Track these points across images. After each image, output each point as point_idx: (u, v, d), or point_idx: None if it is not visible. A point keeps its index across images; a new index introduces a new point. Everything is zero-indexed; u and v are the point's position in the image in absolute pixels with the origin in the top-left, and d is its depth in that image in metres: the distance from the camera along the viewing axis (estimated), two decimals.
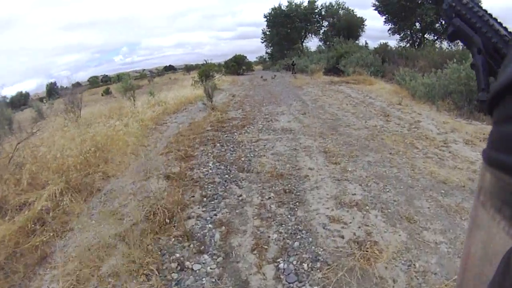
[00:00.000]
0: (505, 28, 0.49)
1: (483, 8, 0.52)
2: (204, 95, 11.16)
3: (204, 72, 18.28)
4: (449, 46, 22.92)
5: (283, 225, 3.19)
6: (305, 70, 24.76)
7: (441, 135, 6.21)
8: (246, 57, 34.74)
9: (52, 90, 44.25)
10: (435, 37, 27.77)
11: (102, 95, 26.83)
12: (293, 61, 29.03)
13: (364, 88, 14.34)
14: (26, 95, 45.76)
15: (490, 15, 0.52)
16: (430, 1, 25.34)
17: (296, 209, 3.53)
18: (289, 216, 3.38)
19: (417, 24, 27.63)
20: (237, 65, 32.21)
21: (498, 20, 0.51)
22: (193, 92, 15.45)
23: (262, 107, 10.57)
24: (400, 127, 6.94)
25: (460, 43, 3.91)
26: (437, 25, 26.60)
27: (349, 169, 4.58)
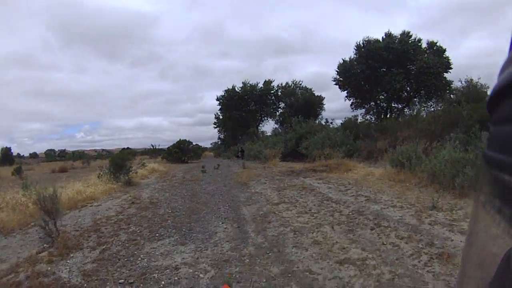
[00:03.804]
0: None
1: None
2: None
3: (117, 160, 12.12)
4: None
5: None
6: (259, 157, 20.06)
7: None
8: (191, 142, 29.31)
9: (7, 156, 43.25)
10: (403, 105, 24.82)
11: (13, 175, 20.59)
12: (241, 148, 24.68)
13: (344, 178, 9.12)
14: None
15: None
16: (398, 67, 22.78)
17: None
18: None
19: (380, 95, 25.06)
20: (180, 151, 26.85)
21: None
22: (100, 187, 10.37)
23: (145, 245, 4.81)
24: None
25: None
26: (405, 91, 24.06)
27: None
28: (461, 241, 3.59)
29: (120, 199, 8.78)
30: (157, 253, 4.41)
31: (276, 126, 36.90)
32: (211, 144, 50.37)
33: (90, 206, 7.93)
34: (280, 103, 39.42)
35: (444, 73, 22.64)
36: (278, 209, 6.24)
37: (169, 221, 6.15)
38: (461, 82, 20.80)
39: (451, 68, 22.83)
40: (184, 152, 27.32)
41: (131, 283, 3.49)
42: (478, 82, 19.73)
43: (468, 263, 0.36)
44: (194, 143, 30.56)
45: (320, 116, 33.22)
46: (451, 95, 21.69)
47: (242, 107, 38.08)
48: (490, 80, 20.06)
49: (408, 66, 23.13)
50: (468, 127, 9.27)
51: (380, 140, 15.73)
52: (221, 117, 41.28)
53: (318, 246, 4.14)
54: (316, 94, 36.70)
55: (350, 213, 5.41)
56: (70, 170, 26.00)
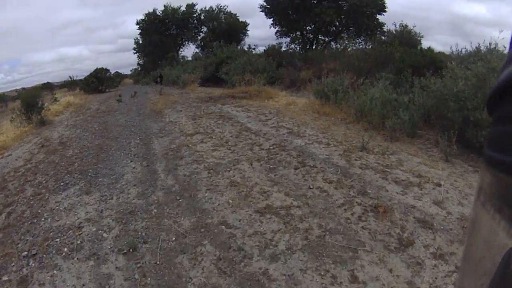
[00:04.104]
0: None
1: None
2: None
3: (27, 100, 9.89)
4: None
5: None
6: (178, 82, 18.53)
7: None
8: (108, 70, 26.15)
9: None
10: (330, 38, 24.50)
11: None
12: (160, 74, 22.81)
13: (265, 107, 8.46)
14: None
15: None
16: (328, 1, 21.80)
17: None
18: None
19: (308, 26, 24.31)
20: (97, 81, 23.80)
21: None
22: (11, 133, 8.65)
23: (49, 200, 4.00)
24: None
25: None
26: (333, 26, 23.60)
27: None
28: (397, 193, 3.11)
29: (31, 143, 7.24)
30: (61, 208, 3.64)
31: (197, 50, 34.82)
32: (131, 70, 46.46)
33: (0, 157, 6.49)
34: (202, 27, 36.79)
35: (377, 15, 22.42)
36: (192, 141, 5.37)
37: (76, 164, 5.09)
38: (395, 26, 20.75)
39: (385, 11, 22.57)
40: (101, 82, 24.32)
41: (34, 255, 2.77)
42: (412, 29, 19.73)
43: (468, 263, 0.35)
44: (114, 71, 27.48)
45: (243, 42, 31.74)
46: (382, 37, 21.70)
47: (163, 32, 35.19)
48: (424, 31, 20.26)
49: (340, 2, 22.34)
50: (399, 69, 9.04)
51: (304, 70, 15.27)
52: (141, 42, 37.97)
53: (236, 189, 3.44)
54: (240, 20, 34.58)
55: (271, 148, 4.75)
56: None
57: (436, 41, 51.89)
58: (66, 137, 7.19)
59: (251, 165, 4.09)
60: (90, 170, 4.68)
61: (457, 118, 4.24)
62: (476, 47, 8.52)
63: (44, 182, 4.56)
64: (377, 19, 22.80)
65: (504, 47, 6.61)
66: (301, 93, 11.85)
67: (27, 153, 6.44)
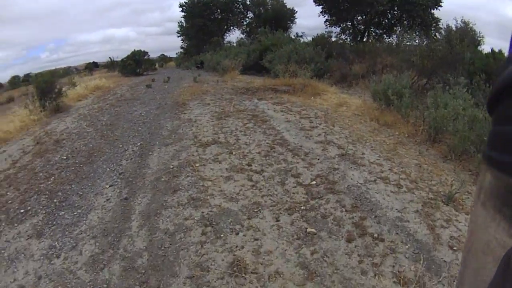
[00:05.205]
0: None
1: None
2: None
3: (42, 85, 9.04)
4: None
5: None
6: (217, 69, 17.27)
7: None
8: (147, 53, 25.81)
9: None
10: (382, 31, 22.20)
11: None
12: (201, 60, 22.10)
13: (310, 107, 6.88)
14: None
15: None
16: None
17: None
18: None
19: (359, 16, 22.20)
20: (135, 63, 23.42)
21: None
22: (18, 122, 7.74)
23: (2, 234, 2.59)
24: None
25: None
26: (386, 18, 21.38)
27: None
28: None
29: (31, 137, 6.25)
30: (5, 255, 2.67)
31: (242, 36, 33.24)
32: (176, 54, 46.03)
33: None
34: (248, 12, 35.19)
35: (432, 10, 19.78)
36: (203, 158, 3.90)
37: (52, 177, 4.02)
38: (456, 21, 18.02)
39: (441, 6, 19.76)
40: (139, 64, 23.92)
41: None
42: (474, 26, 17.06)
43: (468, 263, 0.35)
44: (160, 54, 27.08)
45: (290, 30, 29.85)
46: (436, 33, 19.08)
47: (206, 15, 33.86)
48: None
49: None
50: (470, 74, 7.03)
51: (356, 63, 13.33)
52: (184, 25, 36.74)
53: (239, 284, 1.93)
54: (288, 7, 32.69)
55: (313, 183, 3.18)
56: (23, 96, 21.74)
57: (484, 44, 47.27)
58: (67, 133, 6.05)
59: (277, 221, 2.56)
60: (60, 193, 3.50)
61: None
62: None
63: (9, 202, 3.53)
64: (432, 13, 20.09)
65: None
66: (353, 90, 10.14)
67: (20, 151, 5.40)
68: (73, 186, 3.61)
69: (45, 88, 9.02)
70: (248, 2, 34.60)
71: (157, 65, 35.09)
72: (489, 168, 0.30)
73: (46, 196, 3.48)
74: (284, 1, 33.32)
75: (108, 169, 3.92)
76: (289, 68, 11.55)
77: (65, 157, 4.60)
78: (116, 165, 3.99)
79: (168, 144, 4.59)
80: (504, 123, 0.28)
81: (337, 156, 3.87)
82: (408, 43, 14.85)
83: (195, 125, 5.49)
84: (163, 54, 64.84)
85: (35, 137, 6.14)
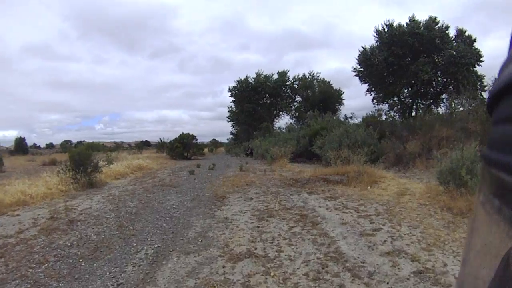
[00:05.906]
0: None
1: None
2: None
3: (76, 157, 8.90)
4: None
5: None
6: (266, 156, 17.47)
7: None
8: (195, 136, 26.16)
9: (21, 145, 42.36)
10: (429, 102, 21.69)
11: None
12: (250, 148, 22.24)
13: (368, 200, 6.12)
14: None
15: None
16: (425, 55, 19.13)
17: None
18: None
19: (405, 89, 22.08)
20: (182, 147, 24.00)
21: None
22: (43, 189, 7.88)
23: None
24: None
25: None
26: (431, 87, 21.06)
27: None
28: None
29: (51, 208, 6.29)
30: None
31: (291, 121, 33.58)
32: (227, 139, 47.18)
33: (7, 215, 5.82)
34: (296, 96, 36.16)
35: (475, 67, 19.15)
36: (228, 280, 3.09)
37: (44, 266, 3.57)
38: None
39: (482, 61, 19.13)
40: (186, 148, 24.45)
41: None
42: None
43: (467, 263, 0.36)
44: (211, 139, 27.87)
45: (338, 112, 29.82)
46: (482, 92, 17.81)
47: (255, 100, 34.92)
48: None
49: (434, 56, 19.70)
50: None
51: (410, 140, 12.44)
52: (234, 110, 38.06)
53: None
54: (334, 88, 33.36)
55: None
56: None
57: None
58: (86, 214, 5.94)
59: None
60: None
61: None
62: None
63: None
64: (476, 71, 19.35)
65: None
66: (411, 172, 9.51)
67: (31, 220, 5.39)
68: (60, 284, 3.10)
69: (78, 160, 9.03)
70: (296, 86, 35.66)
71: (206, 150, 35.44)
72: (488, 168, 0.30)
73: (28, 286, 3.04)
74: (331, 83, 33.75)
75: (108, 273, 3.34)
76: (341, 154, 10.93)
77: (69, 244, 4.25)
78: (119, 271, 3.39)
79: (190, 253, 3.90)
80: (504, 123, 0.28)
81: (412, 275, 2.97)
82: (461, 109, 13.85)
83: (230, 227, 4.87)
84: (214, 139, 67.68)
85: (52, 210, 6.07)
